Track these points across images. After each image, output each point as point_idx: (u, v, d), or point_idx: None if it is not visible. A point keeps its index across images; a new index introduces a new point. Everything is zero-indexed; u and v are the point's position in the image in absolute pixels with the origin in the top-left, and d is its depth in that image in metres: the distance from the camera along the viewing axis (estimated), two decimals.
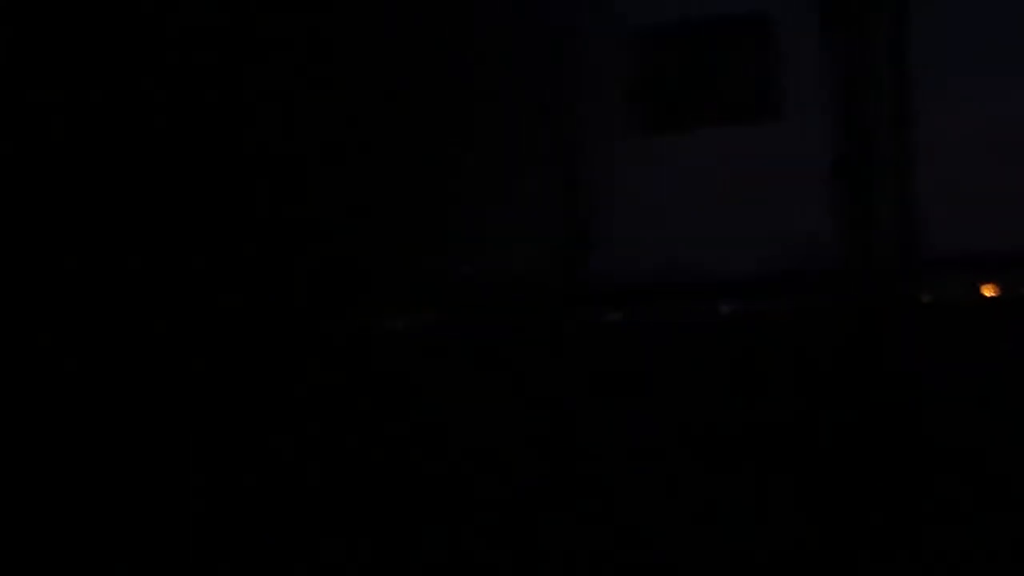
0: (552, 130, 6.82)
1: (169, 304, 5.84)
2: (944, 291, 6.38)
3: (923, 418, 5.23)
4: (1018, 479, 4.89)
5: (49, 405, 5.59)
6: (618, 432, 5.48)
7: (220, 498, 5.30)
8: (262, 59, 6.11)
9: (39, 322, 5.73)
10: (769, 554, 4.81)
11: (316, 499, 5.28)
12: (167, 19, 5.90)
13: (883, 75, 6.47)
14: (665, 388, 5.65)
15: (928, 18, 6.37)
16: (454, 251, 6.67)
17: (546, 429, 5.54)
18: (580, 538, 5.04)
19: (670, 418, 5.49)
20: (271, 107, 6.11)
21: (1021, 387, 5.26)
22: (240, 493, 5.32)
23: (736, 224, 6.82)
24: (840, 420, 5.27)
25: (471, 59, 6.75)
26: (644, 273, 6.82)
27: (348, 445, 5.49)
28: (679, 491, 5.16)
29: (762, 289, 6.58)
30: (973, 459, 4.98)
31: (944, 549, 4.67)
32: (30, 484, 5.41)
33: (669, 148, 6.98)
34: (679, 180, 6.84)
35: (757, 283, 6.67)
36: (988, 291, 6.20)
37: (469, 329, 6.26)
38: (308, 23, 6.17)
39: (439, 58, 6.73)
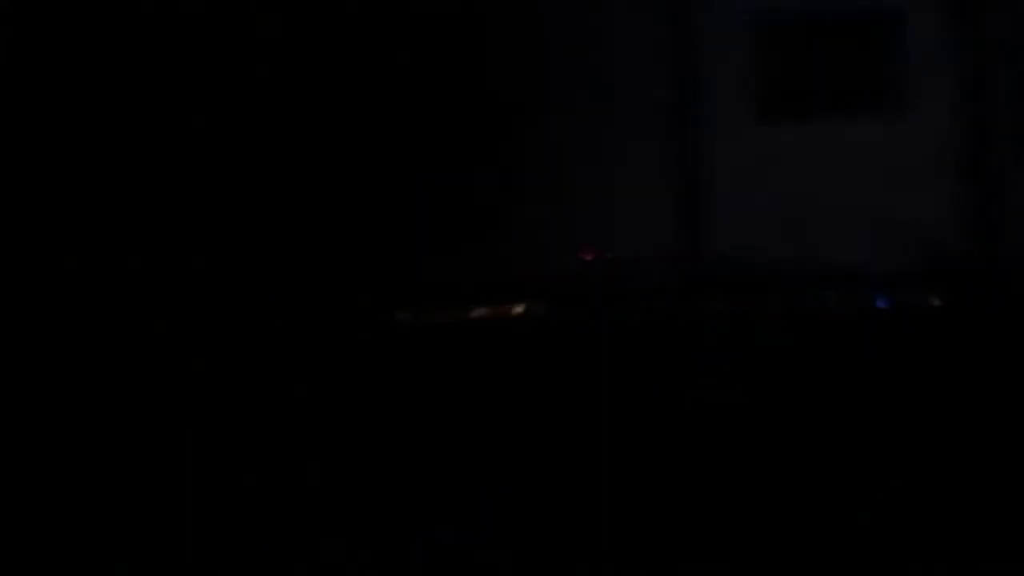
0: (672, 120, 6.79)
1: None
2: None
3: None
4: None
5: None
6: (727, 424, 5.42)
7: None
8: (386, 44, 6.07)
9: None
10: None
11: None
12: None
13: (1010, 65, 6.43)
14: (775, 379, 5.60)
15: None
16: (570, 241, 6.67)
17: (657, 418, 5.47)
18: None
19: (779, 409, 5.42)
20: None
21: None
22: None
23: (857, 216, 6.76)
24: (969, 417, 5.20)
25: (587, 49, 6.74)
26: (760, 264, 6.76)
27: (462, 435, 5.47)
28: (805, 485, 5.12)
29: (883, 282, 6.51)
30: None
31: None
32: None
33: (791, 139, 6.94)
34: (801, 171, 6.79)
35: (877, 276, 6.60)
36: None
37: (585, 318, 6.25)
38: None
39: (557, 47, 6.73)
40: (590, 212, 6.84)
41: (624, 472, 5.12)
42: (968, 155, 6.41)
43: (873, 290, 6.40)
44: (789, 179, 6.71)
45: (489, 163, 6.80)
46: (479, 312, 6.66)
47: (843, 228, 6.66)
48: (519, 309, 6.72)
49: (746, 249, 6.73)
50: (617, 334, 6.08)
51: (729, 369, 5.73)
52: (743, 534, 4.59)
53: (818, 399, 5.40)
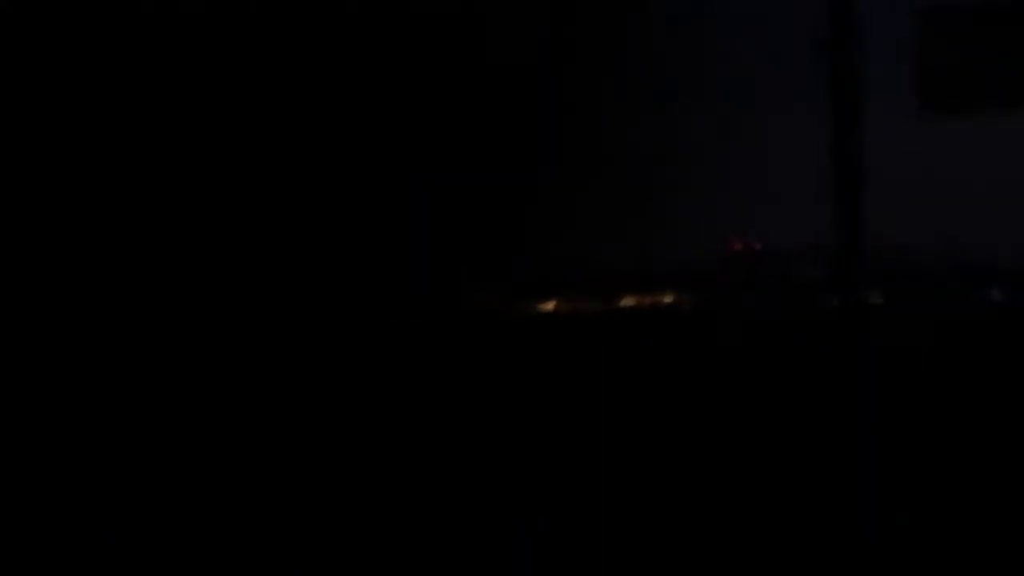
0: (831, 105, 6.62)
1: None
2: None
3: None
4: None
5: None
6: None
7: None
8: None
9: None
10: None
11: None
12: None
13: None
14: (925, 373, 5.39)
15: None
16: (720, 232, 6.61)
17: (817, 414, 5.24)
18: None
19: (924, 407, 5.21)
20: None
21: None
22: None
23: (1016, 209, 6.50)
24: None
25: (740, 41, 6.68)
26: (919, 257, 6.59)
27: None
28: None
29: None
30: None
31: None
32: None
33: (959, 132, 6.65)
34: (968, 165, 6.59)
35: None
36: None
37: (740, 307, 6.14)
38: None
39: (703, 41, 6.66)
40: (741, 203, 6.75)
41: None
42: None
43: None
44: (955, 173, 6.53)
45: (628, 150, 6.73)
46: (627, 302, 6.59)
47: (1012, 225, 6.41)
48: (667, 299, 6.63)
49: (905, 243, 6.53)
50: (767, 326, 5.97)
51: (890, 365, 5.45)
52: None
53: (974, 397, 5.28)
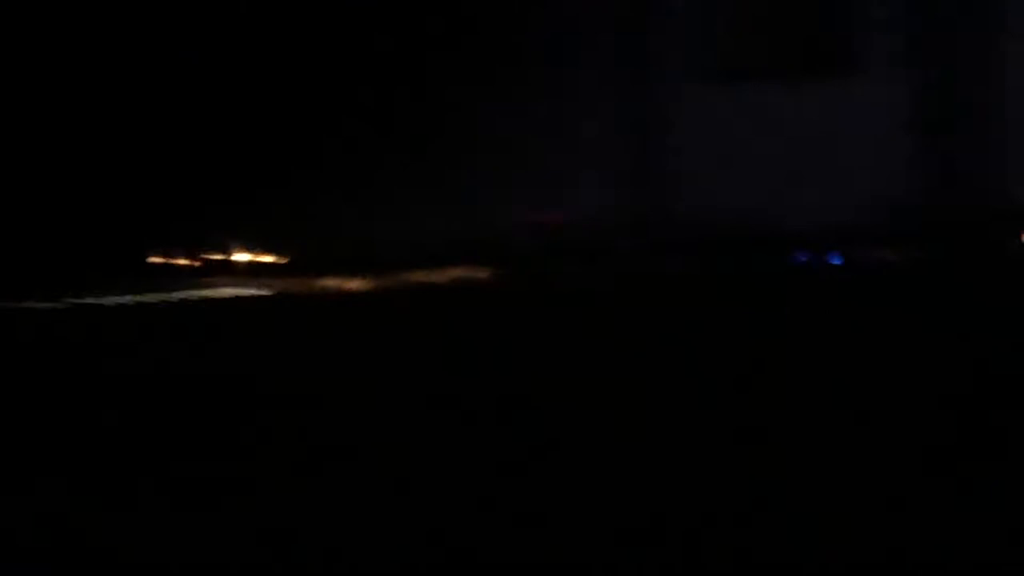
0: (626, 74, 6.70)
1: None
2: None
3: None
4: None
5: None
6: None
7: None
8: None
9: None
10: None
11: None
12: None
13: (966, 24, 6.58)
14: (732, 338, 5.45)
15: None
16: (521, 198, 6.52)
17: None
18: None
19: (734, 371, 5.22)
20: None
21: None
22: None
23: (810, 177, 6.87)
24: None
25: (540, 13, 6.61)
26: (714, 222, 6.74)
27: None
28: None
29: (836, 242, 6.65)
30: None
31: None
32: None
33: (748, 100, 6.89)
34: (755, 131, 6.81)
35: (831, 236, 6.74)
36: None
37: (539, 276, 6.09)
38: None
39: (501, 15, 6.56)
40: (541, 174, 6.83)
41: None
42: (927, 114, 6.72)
43: (827, 248, 6.67)
44: (746, 141, 6.84)
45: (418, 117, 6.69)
46: (419, 276, 6.51)
47: (800, 187, 6.90)
48: (463, 272, 6.57)
49: (702, 207, 6.85)
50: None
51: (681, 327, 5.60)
52: None
53: (770, 357, 5.27)
